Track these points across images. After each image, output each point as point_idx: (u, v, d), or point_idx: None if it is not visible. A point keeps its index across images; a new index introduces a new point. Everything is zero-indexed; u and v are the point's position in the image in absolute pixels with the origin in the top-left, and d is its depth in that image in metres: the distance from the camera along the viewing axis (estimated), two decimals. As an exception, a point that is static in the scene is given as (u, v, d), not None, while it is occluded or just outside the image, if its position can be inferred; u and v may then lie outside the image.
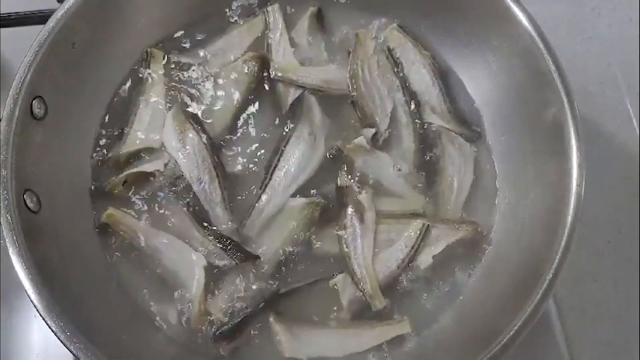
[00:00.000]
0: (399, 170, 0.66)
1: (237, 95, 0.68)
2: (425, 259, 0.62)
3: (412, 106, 0.69)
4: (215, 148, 0.65)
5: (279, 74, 0.68)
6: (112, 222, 0.62)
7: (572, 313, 0.70)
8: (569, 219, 0.55)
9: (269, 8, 0.72)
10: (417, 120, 0.69)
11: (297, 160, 0.65)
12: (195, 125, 0.65)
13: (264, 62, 0.70)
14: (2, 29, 0.70)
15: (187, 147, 0.64)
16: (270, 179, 0.64)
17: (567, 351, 0.66)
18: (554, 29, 0.63)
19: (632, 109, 0.79)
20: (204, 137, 0.65)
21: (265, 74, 0.69)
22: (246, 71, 0.69)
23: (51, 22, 0.59)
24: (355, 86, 0.68)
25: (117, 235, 0.62)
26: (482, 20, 0.66)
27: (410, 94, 0.69)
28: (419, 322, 0.61)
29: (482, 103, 0.70)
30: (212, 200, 0.63)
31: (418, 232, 0.62)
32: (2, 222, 0.52)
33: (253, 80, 0.69)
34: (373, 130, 0.67)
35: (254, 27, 0.72)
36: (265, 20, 0.72)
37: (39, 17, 0.68)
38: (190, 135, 0.64)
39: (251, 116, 0.68)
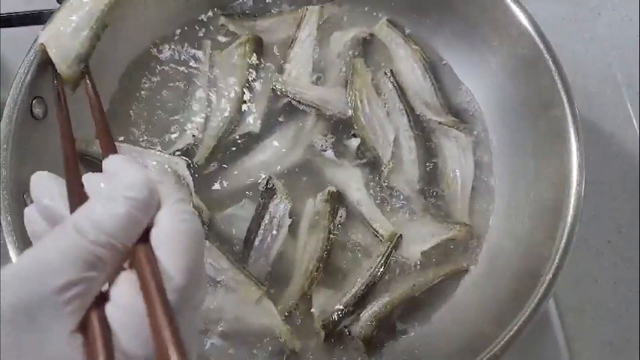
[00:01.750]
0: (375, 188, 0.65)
1: (234, 83, 0.68)
2: (413, 254, 0.62)
3: (417, 130, 0.68)
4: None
5: (278, 87, 0.68)
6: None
7: (572, 313, 0.70)
8: (569, 219, 0.55)
9: (309, 7, 0.72)
10: (422, 143, 0.67)
11: (269, 152, 0.65)
12: None
13: (258, 44, 0.70)
14: (2, 29, 0.70)
15: None
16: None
17: (567, 351, 0.66)
18: (554, 29, 0.63)
19: (632, 109, 0.79)
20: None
21: (258, 62, 0.70)
22: (241, 55, 0.69)
23: (51, 22, 0.59)
24: (354, 119, 0.67)
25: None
26: (482, 20, 0.66)
27: (415, 118, 0.68)
28: (415, 320, 0.62)
29: (482, 102, 0.70)
30: None
31: (389, 242, 0.62)
32: (2, 223, 0.52)
33: (250, 65, 0.69)
34: (358, 140, 0.66)
35: (291, 20, 0.72)
36: (301, 18, 0.71)
37: (39, 17, 0.68)
38: None
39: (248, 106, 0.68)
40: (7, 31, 0.71)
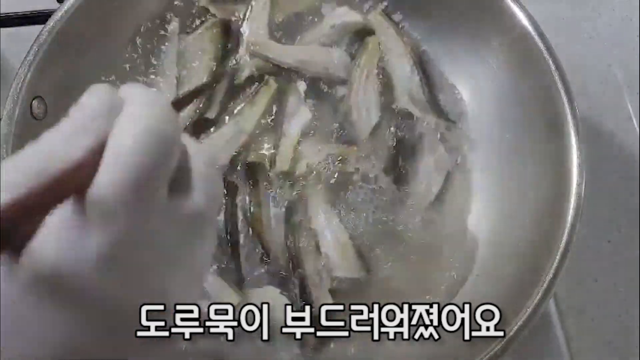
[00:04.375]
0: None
1: (202, 67, 0.67)
2: None
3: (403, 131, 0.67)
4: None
5: (255, 48, 0.65)
6: None
7: (572, 313, 0.70)
8: (569, 219, 0.55)
9: None
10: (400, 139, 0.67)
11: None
12: None
13: (225, 28, 0.68)
14: (2, 29, 0.70)
15: None
16: None
17: (567, 351, 0.66)
18: (554, 29, 0.63)
19: (632, 108, 0.79)
20: None
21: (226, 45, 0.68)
22: (208, 39, 0.67)
23: (51, 22, 0.59)
24: (348, 90, 0.67)
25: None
26: (482, 19, 0.66)
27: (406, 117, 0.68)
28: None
29: (481, 102, 0.70)
30: None
31: None
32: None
33: (218, 50, 0.67)
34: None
35: None
36: None
37: (39, 17, 0.68)
38: None
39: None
40: (7, 31, 0.71)
